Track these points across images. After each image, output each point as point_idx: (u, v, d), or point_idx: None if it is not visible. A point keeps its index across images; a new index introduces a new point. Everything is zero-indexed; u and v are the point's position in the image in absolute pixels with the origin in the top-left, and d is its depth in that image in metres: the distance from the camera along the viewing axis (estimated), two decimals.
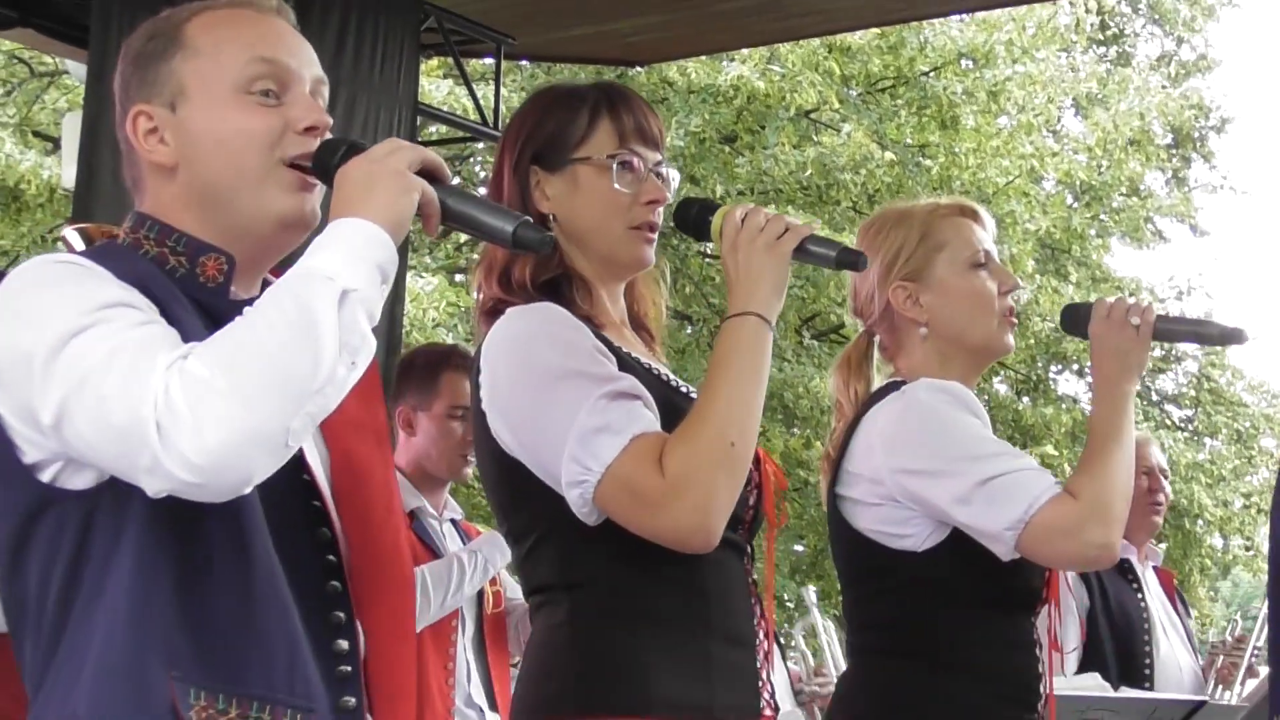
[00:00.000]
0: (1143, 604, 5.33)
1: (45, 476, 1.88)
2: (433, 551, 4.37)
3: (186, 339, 1.83)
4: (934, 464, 2.84)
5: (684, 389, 2.54)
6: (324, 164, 2.00)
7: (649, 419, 2.37)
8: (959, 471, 2.81)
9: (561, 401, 2.35)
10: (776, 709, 2.56)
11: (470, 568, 4.23)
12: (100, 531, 1.87)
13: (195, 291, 1.99)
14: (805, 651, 4.81)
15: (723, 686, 2.43)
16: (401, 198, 1.90)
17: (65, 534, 1.88)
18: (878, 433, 2.93)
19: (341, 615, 2.00)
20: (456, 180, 2.03)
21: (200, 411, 1.72)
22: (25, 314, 1.84)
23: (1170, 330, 3.03)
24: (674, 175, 2.63)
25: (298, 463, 1.98)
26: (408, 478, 4.40)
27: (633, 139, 2.56)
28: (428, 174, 1.95)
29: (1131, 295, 17.32)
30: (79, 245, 3.36)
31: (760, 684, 2.51)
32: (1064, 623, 5.16)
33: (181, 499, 1.78)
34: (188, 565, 1.87)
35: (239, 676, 1.88)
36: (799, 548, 15.50)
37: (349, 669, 1.99)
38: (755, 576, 2.59)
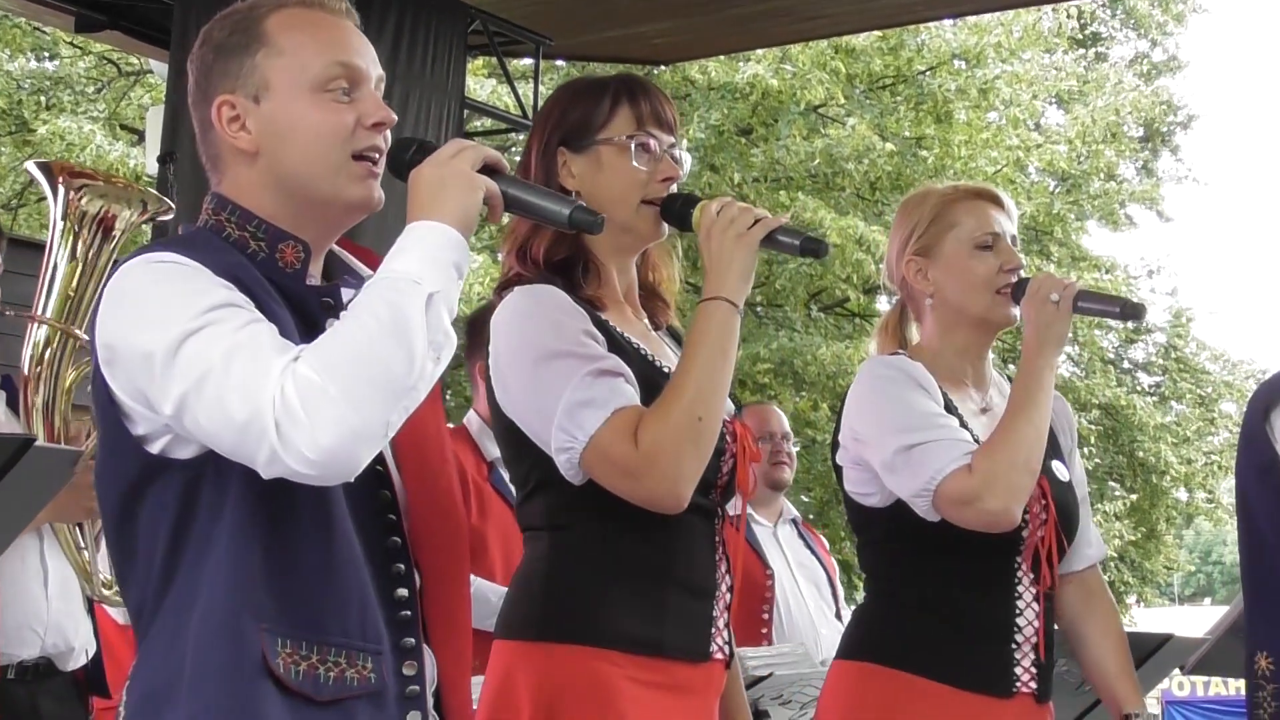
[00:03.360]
0: None
1: (154, 448, 1.89)
2: (508, 503, 4.31)
3: (283, 331, 1.87)
4: (870, 432, 2.86)
5: (665, 368, 2.53)
6: (397, 160, 2.03)
7: (629, 394, 2.40)
8: (885, 441, 2.82)
9: (552, 376, 2.39)
10: (731, 654, 2.59)
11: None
12: (205, 496, 1.88)
13: (275, 275, 1.99)
14: None
15: (675, 629, 2.46)
16: (469, 197, 1.92)
17: (170, 499, 1.89)
18: (848, 401, 2.95)
19: (401, 567, 2.01)
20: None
21: (315, 416, 1.76)
22: (139, 313, 1.86)
23: (1087, 306, 2.97)
24: (686, 157, 2.63)
25: None
26: (489, 425, 4.34)
27: (649, 123, 2.55)
28: (489, 168, 1.96)
29: (1108, 273, 17.27)
30: (40, 176, 3.36)
31: (713, 631, 2.52)
32: None
33: None
34: (278, 529, 1.89)
35: (320, 625, 1.90)
36: (805, 499, 15.50)
37: (408, 614, 2.00)
38: (722, 537, 2.58)
